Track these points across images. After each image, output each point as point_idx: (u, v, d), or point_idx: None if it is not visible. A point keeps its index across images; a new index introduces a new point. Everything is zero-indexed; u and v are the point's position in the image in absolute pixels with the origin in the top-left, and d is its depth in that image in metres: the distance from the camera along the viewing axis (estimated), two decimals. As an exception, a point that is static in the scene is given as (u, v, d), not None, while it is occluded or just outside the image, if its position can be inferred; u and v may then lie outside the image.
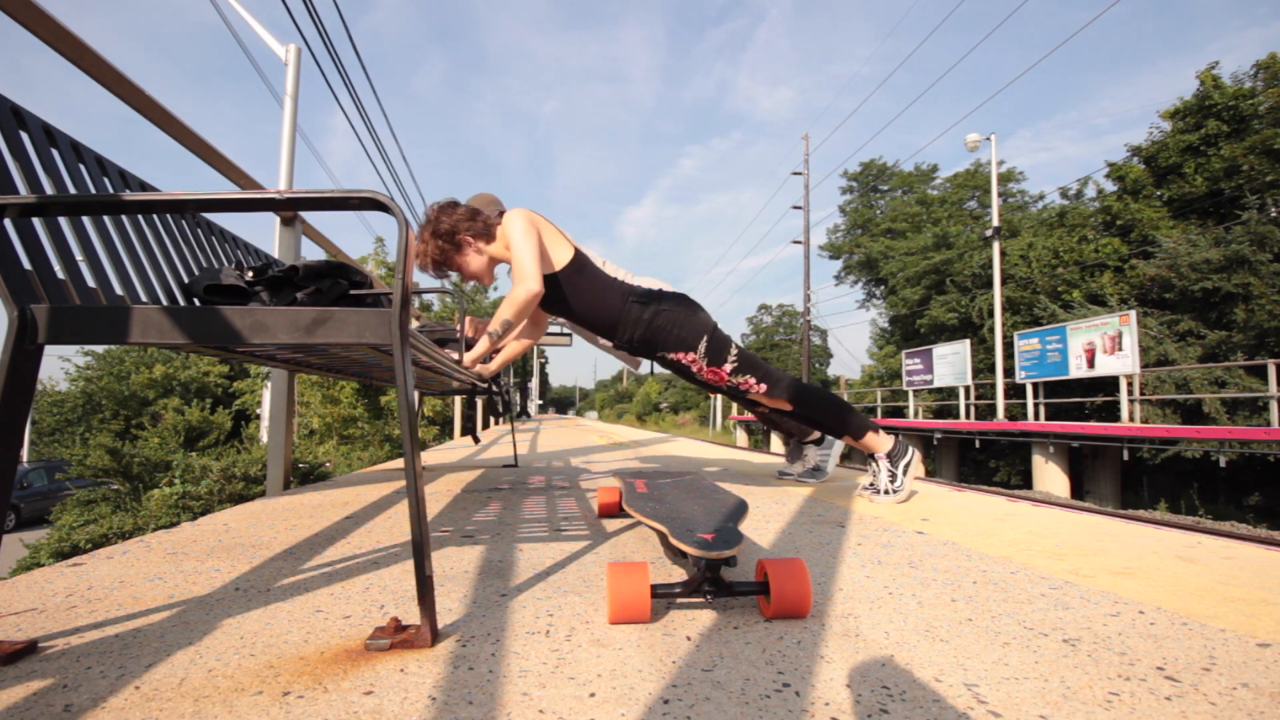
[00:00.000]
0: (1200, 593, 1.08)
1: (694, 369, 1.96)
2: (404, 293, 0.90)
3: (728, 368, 1.94)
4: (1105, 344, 10.82)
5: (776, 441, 21.80)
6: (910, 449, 2.01)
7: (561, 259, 1.88)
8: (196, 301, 1.26)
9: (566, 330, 17.31)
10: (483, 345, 1.82)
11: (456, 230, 1.88)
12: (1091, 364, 11.11)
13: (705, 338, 1.92)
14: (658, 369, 2.71)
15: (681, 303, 1.97)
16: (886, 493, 1.99)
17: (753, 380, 1.95)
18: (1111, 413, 12.63)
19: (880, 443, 1.99)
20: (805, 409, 1.98)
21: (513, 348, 2.26)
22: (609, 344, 2.35)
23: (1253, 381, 11.50)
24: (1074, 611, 0.98)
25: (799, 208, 22.49)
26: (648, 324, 1.92)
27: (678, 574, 1.20)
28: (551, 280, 1.88)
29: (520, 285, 1.74)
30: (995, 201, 14.78)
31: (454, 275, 1.99)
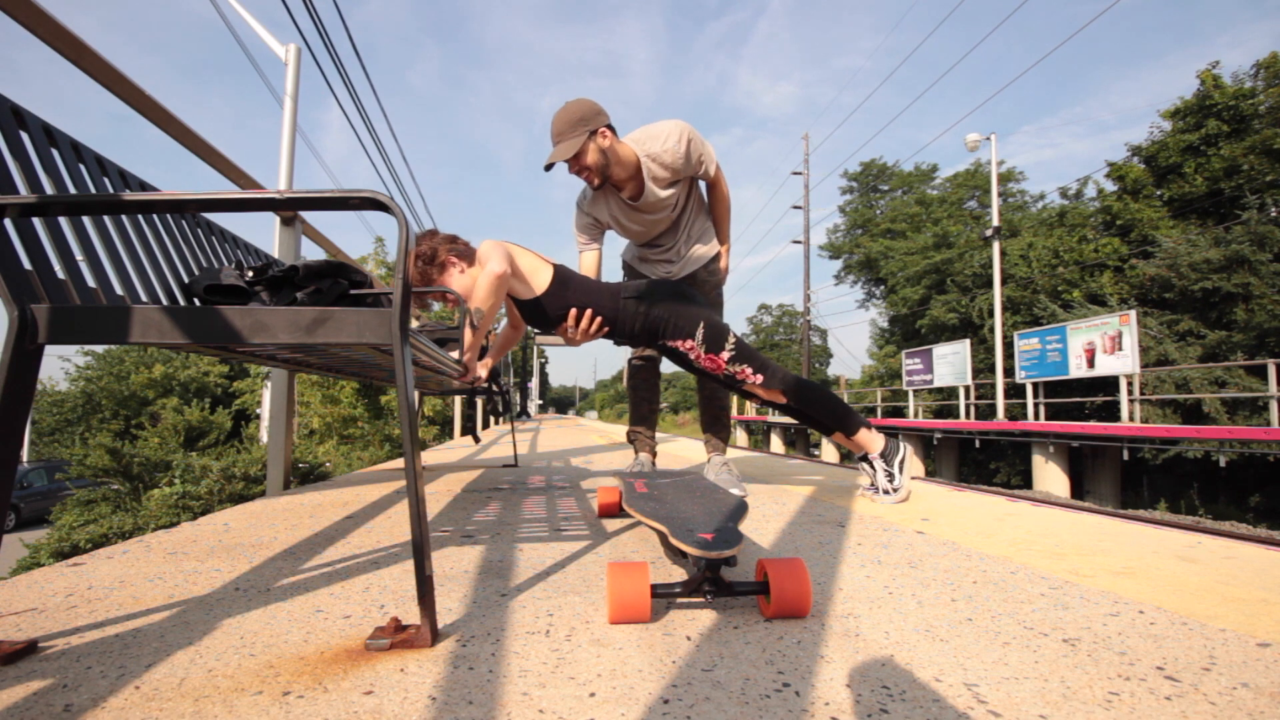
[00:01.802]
0: (1200, 593, 1.08)
1: (692, 356, 1.99)
2: (404, 293, 0.90)
3: (725, 355, 1.96)
4: (1105, 344, 10.81)
5: (777, 441, 21.81)
6: (903, 445, 2.02)
7: (543, 281, 1.95)
8: (197, 301, 1.26)
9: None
10: (467, 338, 1.84)
11: (436, 252, 1.96)
12: (1091, 364, 11.11)
13: (701, 324, 1.96)
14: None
15: (675, 292, 2.02)
16: (887, 492, 2.00)
17: (749, 370, 1.97)
18: (1111, 413, 12.63)
19: (873, 442, 2.01)
20: (799, 403, 2.00)
21: (497, 347, 2.30)
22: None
23: (1253, 381, 11.50)
24: (1074, 611, 0.98)
25: (799, 207, 22.51)
26: (645, 315, 1.98)
27: (678, 574, 1.20)
28: (538, 303, 1.95)
29: (485, 271, 1.78)
30: (995, 201, 14.78)
31: (436, 306, 2.06)
